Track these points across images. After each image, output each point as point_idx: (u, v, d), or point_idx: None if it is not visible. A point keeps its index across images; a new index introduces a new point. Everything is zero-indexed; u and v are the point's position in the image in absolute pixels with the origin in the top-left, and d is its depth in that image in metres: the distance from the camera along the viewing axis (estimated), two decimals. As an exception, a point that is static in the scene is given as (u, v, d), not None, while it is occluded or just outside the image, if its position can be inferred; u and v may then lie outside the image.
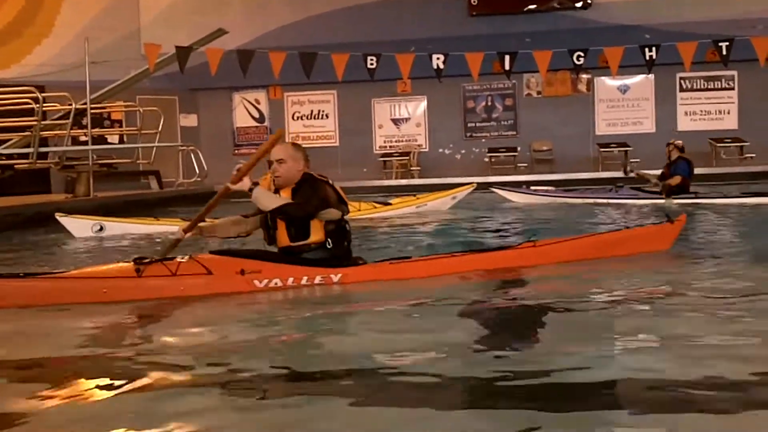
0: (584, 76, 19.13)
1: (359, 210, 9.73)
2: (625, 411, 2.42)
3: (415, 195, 11.58)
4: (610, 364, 2.90)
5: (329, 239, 4.68)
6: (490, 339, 3.43)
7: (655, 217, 8.44)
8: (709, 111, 19.04)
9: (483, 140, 19.75)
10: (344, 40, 17.15)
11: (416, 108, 20.00)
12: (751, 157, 17.71)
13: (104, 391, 2.79)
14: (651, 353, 3.10)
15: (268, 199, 4.63)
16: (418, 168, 19.31)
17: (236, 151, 20.18)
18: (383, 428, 2.34)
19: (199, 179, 16.60)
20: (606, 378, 2.71)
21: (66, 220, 9.07)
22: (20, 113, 13.31)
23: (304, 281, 4.62)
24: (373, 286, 4.63)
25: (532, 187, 12.54)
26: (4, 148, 13.32)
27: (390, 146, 20.02)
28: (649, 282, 4.69)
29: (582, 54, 14.02)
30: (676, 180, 10.80)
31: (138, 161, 15.12)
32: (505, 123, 19.75)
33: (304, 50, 13.83)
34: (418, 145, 19.96)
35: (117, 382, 2.87)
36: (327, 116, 20.30)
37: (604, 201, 11.14)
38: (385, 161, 19.34)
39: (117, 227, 9.09)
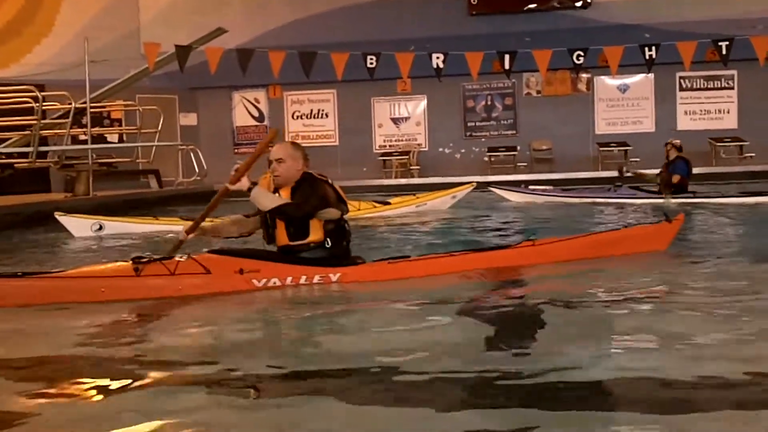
0: (584, 75, 19.13)
1: (359, 209, 9.73)
2: (624, 410, 2.42)
3: (414, 194, 11.58)
4: (608, 364, 2.90)
5: (328, 239, 4.68)
6: (489, 338, 3.43)
7: (654, 216, 8.44)
8: (708, 110, 19.04)
9: (483, 139, 19.76)
10: (344, 39, 17.13)
11: (416, 107, 20.00)
12: (751, 156, 17.72)
13: (102, 391, 2.80)
14: (649, 353, 3.11)
15: (266, 199, 4.63)
16: (418, 167, 19.31)
17: (236, 151, 20.18)
18: (381, 428, 2.34)
19: (198, 178, 16.60)
20: (604, 377, 2.71)
21: (65, 220, 9.07)
22: (20, 112, 13.32)
23: (302, 281, 4.62)
24: (371, 286, 4.63)
25: (530, 187, 12.54)
26: (4, 147, 13.33)
27: (390, 145, 20.02)
28: (648, 281, 4.69)
29: (582, 53, 14.03)
30: (675, 178, 10.80)
31: (137, 160, 15.13)
32: (505, 122, 19.76)
33: (304, 49, 13.83)
34: (418, 145, 19.96)
35: (115, 382, 2.87)
36: (326, 115, 20.31)
37: (603, 200, 11.14)
38: (384, 160, 19.34)
39: (116, 226, 9.09)
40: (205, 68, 13.60)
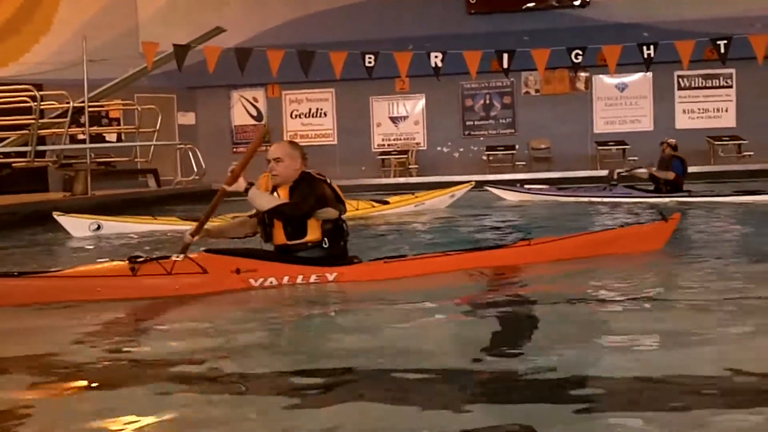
0: (582, 74, 19.12)
1: (357, 209, 9.72)
2: (621, 409, 2.42)
3: (413, 193, 11.59)
4: (605, 362, 2.92)
5: (326, 238, 4.68)
6: (485, 337, 3.43)
7: (649, 215, 8.45)
8: (707, 109, 19.04)
9: (481, 138, 19.75)
10: (342, 38, 17.13)
11: (414, 106, 19.99)
12: (749, 155, 17.72)
13: (99, 389, 2.81)
14: (647, 352, 3.12)
15: (263, 200, 4.64)
16: (416, 166, 19.31)
17: (235, 150, 20.16)
18: (378, 426, 2.35)
19: (197, 177, 16.59)
20: (600, 376, 2.73)
21: (63, 219, 9.06)
22: (18, 111, 13.31)
23: (299, 280, 4.63)
24: (368, 285, 4.64)
25: (526, 186, 12.55)
26: (2, 146, 13.32)
27: (388, 144, 20.01)
28: (644, 280, 4.71)
29: (580, 52, 14.01)
30: (670, 175, 10.82)
31: (136, 159, 15.12)
32: (504, 121, 19.75)
33: (302, 48, 13.82)
34: (417, 144, 19.95)
35: (112, 381, 2.88)
36: (325, 114, 20.30)
37: (598, 199, 11.16)
38: (383, 159, 19.33)
39: (115, 226, 9.08)
40: (204, 67, 13.59)
